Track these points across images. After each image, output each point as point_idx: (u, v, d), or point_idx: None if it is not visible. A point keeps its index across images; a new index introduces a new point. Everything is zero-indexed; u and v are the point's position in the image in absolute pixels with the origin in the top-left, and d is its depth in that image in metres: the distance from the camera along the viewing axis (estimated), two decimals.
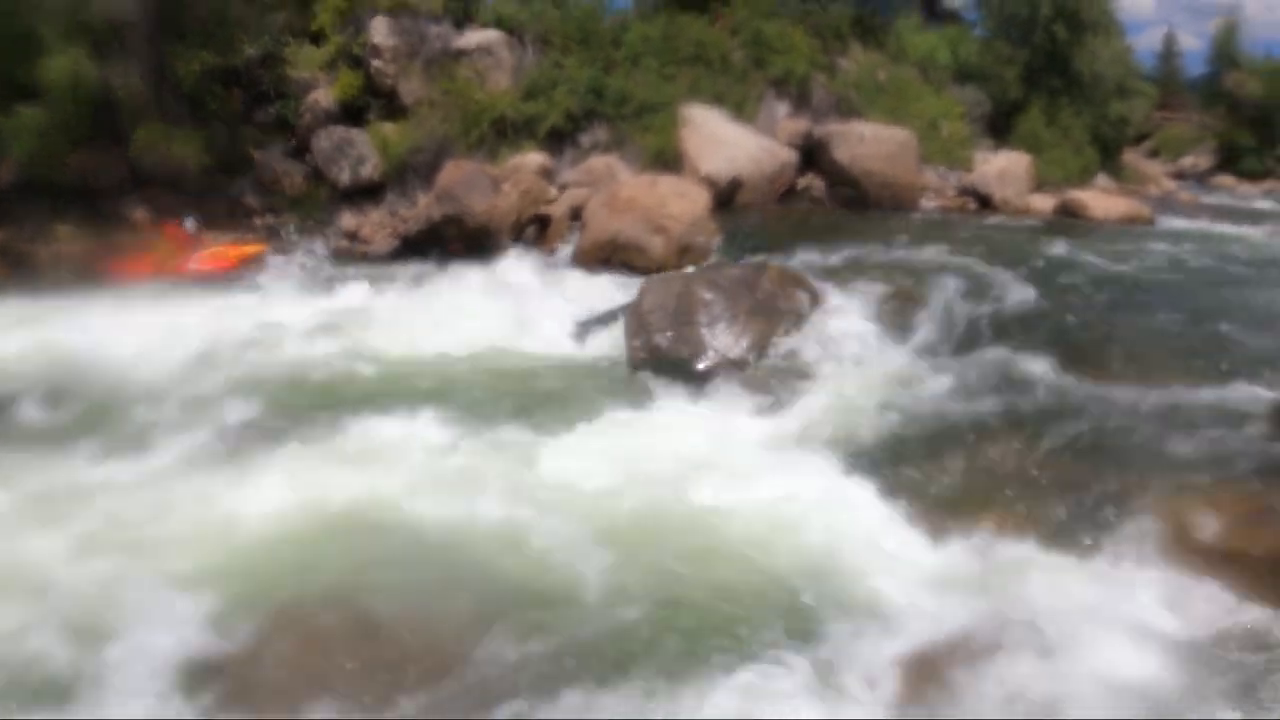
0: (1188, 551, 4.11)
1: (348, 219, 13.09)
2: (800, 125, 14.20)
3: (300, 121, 13.40)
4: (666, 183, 11.14)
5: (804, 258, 9.07)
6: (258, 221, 12.77)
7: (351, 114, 13.46)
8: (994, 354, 6.32)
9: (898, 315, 7.23)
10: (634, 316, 7.49)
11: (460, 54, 13.71)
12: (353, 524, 4.65)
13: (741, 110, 13.87)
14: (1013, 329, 6.80)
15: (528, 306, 8.74)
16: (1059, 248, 9.65)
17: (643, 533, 4.59)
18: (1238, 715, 3.29)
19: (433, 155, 12.90)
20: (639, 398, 6.51)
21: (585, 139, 13.46)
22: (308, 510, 4.74)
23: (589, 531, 4.53)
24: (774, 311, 7.26)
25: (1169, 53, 42.45)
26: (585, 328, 8.23)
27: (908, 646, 3.73)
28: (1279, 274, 9.25)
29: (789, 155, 13.39)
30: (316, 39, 13.74)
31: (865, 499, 4.93)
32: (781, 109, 14.70)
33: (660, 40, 14.41)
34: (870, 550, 4.44)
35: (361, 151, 13.18)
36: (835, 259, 8.99)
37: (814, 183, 13.64)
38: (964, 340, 6.77)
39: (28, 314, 8.90)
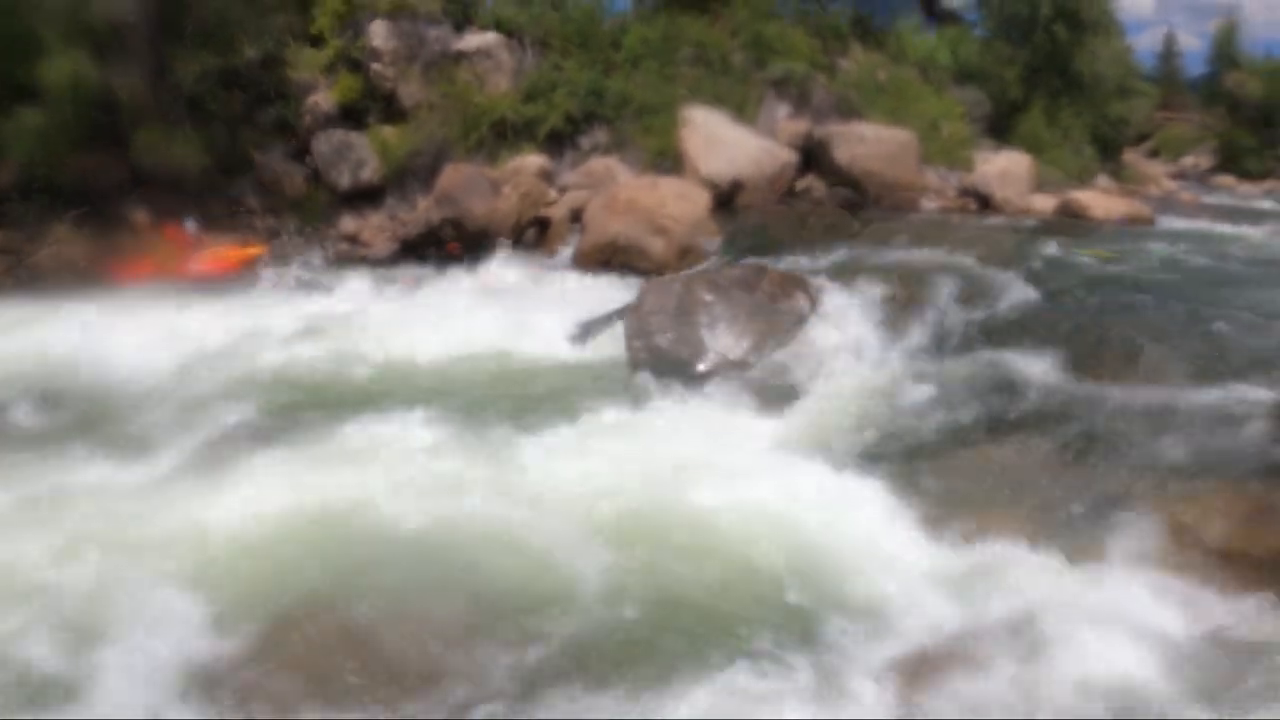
0: (1187, 551, 4.11)
1: (347, 222, 13.09)
2: (800, 126, 14.19)
3: (300, 124, 13.41)
4: (667, 184, 11.15)
5: (804, 259, 9.06)
6: (258, 224, 12.75)
7: (351, 117, 13.45)
8: (994, 354, 6.31)
9: (898, 316, 7.22)
10: (634, 318, 7.50)
11: (460, 56, 13.71)
12: (350, 526, 4.65)
13: (742, 111, 13.86)
14: (1013, 329, 6.79)
15: (528, 309, 8.74)
16: (1059, 248, 9.64)
17: (642, 533, 4.58)
18: (1238, 715, 3.28)
19: (432, 158, 12.90)
20: (639, 398, 6.51)
21: (585, 141, 13.46)
22: (305, 513, 4.73)
23: (589, 532, 4.53)
24: (774, 313, 7.27)
25: (1169, 53, 42.57)
26: (586, 329, 8.23)
27: (907, 646, 3.73)
28: (1279, 274, 9.25)
29: (789, 156, 13.39)
30: (316, 41, 13.73)
31: (865, 499, 4.92)
32: (782, 110, 14.69)
33: (660, 42, 14.40)
34: (870, 550, 4.44)
35: (361, 154, 13.18)
36: (835, 260, 8.98)
37: (814, 184, 13.62)
38: (964, 341, 6.77)
39: (28, 315, 8.90)
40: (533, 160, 12.69)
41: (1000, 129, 16.66)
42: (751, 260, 9.21)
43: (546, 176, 12.63)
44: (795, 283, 7.67)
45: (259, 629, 3.86)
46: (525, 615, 3.94)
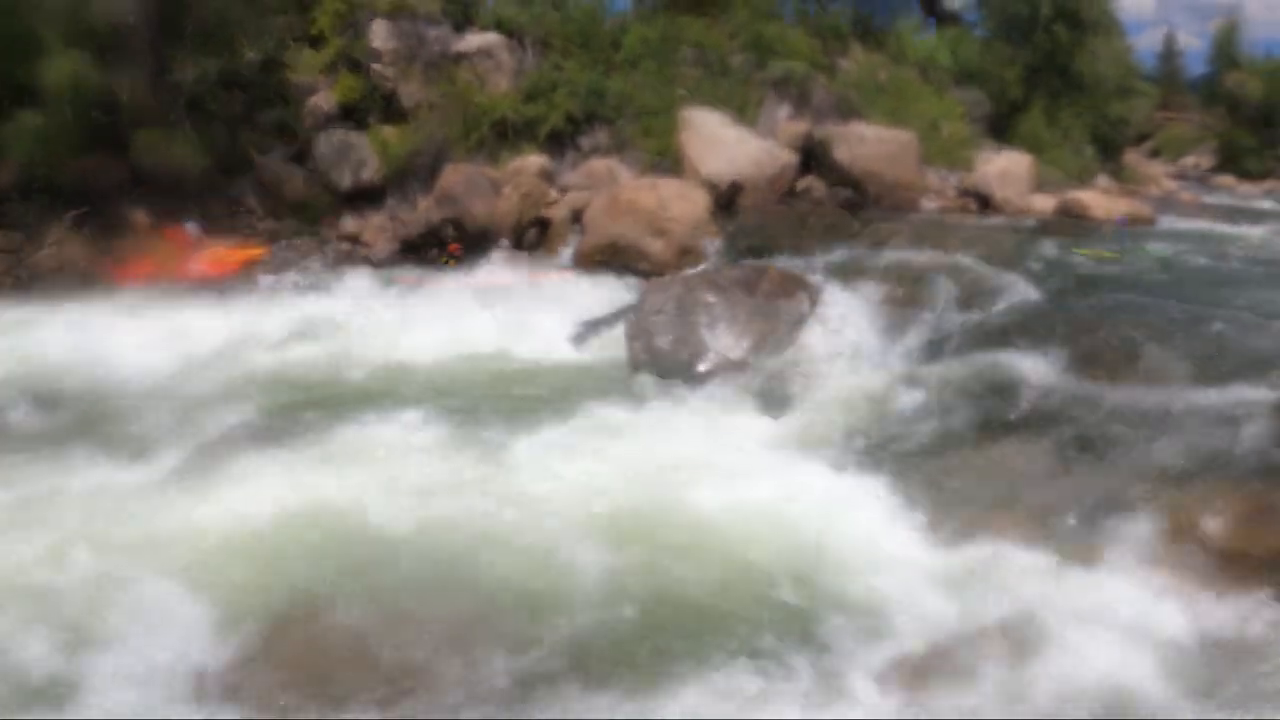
0: (1187, 552, 4.10)
1: (348, 222, 13.06)
2: (801, 127, 14.18)
3: (301, 125, 13.40)
4: (667, 185, 11.15)
5: (804, 259, 9.05)
6: (259, 225, 12.75)
7: (352, 117, 13.44)
8: (993, 355, 6.30)
9: (898, 316, 7.22)
10: (635, 318, 7.50)
11: (460, 57, 13.70)
12: (349, 526, 4.65)
13: (742, 112, 13.86)
14: (1012, 329, 6.78)
15: (528, 309, 8.75)
16: (1059, 249, 9.64)
17: (642, 533, 4.59)
18: (1238, 715, 3.28)
19: (433, 158, 12.89)
20: (639, 399, 6.52)
21: (586, 142, 13.46)
22: (304, 514, 4.73)
23: (588, 532, 4.53)
24: (774, 313, 7.27)
25: (1169, 53, 42.56)
26: (586, 330, 8.24)
27: (906, 646, 3.73)
28: (1279, 274, 9.25)
29: (789, 157, 13.38)
30: (316, 42, 13.73)
31: (865, 499, 4.93)
32: (782, 111, 14.68)
33: (660, 42, 14.41)
34: (869, 550, 4.45)
35: (362, 155, 13.17)
36: (835, 260, 8.97)
37: (815, 184, 13.61)
38: (964, 341, 6.76)
39: (27, 316, 8.89)
40: (533, 160, 12.68)
41: (1000, 129, 16.66)
42: (751, 261, 9.22)
43: (547, 177, 12.63)
44: (795, 283, 7.67)
45: (257, 629, 3.86)
46: (524, 615, 3.95)
